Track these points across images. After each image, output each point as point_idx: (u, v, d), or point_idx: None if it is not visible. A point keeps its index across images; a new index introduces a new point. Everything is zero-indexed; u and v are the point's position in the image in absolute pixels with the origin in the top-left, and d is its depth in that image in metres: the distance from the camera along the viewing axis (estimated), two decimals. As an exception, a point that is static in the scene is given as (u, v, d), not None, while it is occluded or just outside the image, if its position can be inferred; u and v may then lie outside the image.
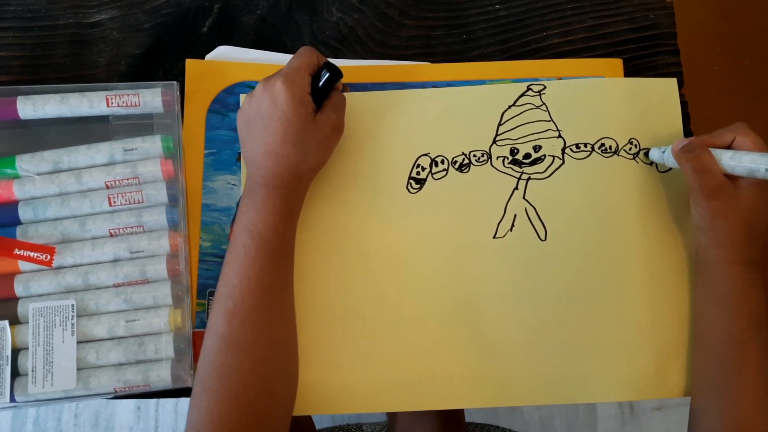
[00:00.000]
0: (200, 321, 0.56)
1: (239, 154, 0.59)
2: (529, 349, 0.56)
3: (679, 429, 1.30)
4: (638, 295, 0.57)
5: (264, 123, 0.52)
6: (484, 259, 0.58)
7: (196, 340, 0.55)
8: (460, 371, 0.56)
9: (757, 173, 0.49)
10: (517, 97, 0.61)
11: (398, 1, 0.65)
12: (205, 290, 0.57)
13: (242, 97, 0.60)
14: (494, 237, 0.58)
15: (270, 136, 0.51)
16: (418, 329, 0.56)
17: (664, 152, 0.57)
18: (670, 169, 0.59)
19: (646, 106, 0.61)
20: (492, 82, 0.62)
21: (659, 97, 0.61)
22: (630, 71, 0.63)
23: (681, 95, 0.63)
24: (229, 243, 0.52)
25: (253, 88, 0.60)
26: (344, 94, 0.57)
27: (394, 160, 0.60)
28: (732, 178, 0.52)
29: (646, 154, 0.59)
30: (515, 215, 0.59)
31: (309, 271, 0.57)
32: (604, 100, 0.60)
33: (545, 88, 0.61)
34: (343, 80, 0.61)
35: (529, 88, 0.61)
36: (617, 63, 0.63)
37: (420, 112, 0.60)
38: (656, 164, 0.59)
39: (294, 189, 0.53)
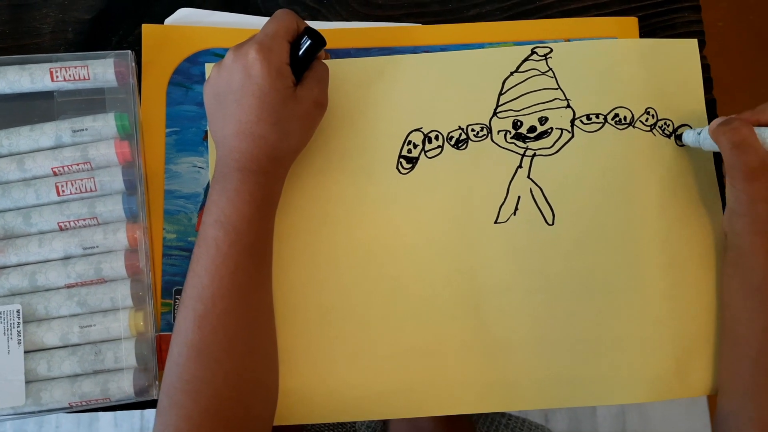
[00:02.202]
0: (166, 323, 0.50)
1: (206, 132, 0.52)
2: (537, 347, 0.50)
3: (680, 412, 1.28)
4: (657, 284, 0.51)
5: (236, 98, 0.45)
6: (484, 247, 0.52)
7: (162, 345, 0.49)
8: (460, 373, 0.50)
9: None
10: (520, 62, 0.54)
11: (384, -46, 0.57)
12: (171, 288, 0.50)
13: (208, 67, 0.53)
14: (496, 222, 0.52)
15: (243, 114, 0.44)
16: (412, 327, 0.50)
17: (700, 133, 0.50)
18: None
19: (664, 71, 0.54)
20: (491, 45, 0.55)
21: (679, 61, 0.54)
22: (646, 31, 0.56)
23: (703, 57, 0.56)
24: (197, 236, 0.45)
25: (221, 56, 0.53)
26: (326, 62, 0.50)
27: (382, 136, 0.53)
28: None
29: (678, 137, 0.53)
30: (519, 197, 0.52)
31: (288, 264, 0.51)
32: (618, 65, 0.53)
33: (552, 51, 0.54)
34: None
35: (533, 52, 0.54)
36: (632, 22, 0.56)
37: (411, 82, 0.53)
38: (675, 137, 0.53)
39: (272, 174, 0.46)
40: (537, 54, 0.54)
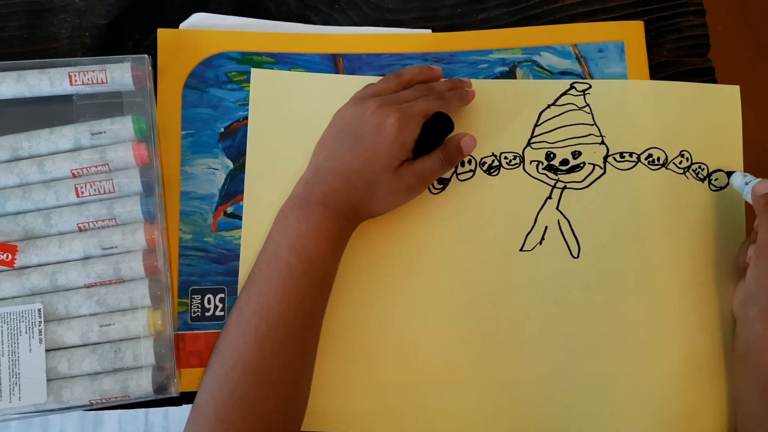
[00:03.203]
0: (182, 323, 0.50)
1: (221, 134, 0.53)
2: (552, 379, 0.51)
3: None
4: (676, 327, 0.52)
5: (354, 142, 0.47)
6: (507, 274, 0.52)
7: (179, 344, 0.50)
8: (473, 398, 0.50)
9: None
10: (558, 95, 0.54)
11: (394, -40, 0.58)
12: (188, 288, 0.51)
13: (254, 72, 0.54)
14: (521, 249, 0.52)
15: (351, 159, 0.47)
16: (428, 347, 0.51)
17: (748, 183, 0.50)
18: (725, 187, 0.53)
19: (703, 115, 0.54)
20: (500, 51, 0.56)
21: (719, 106, 0.55)
22: (651, 34, 0.57)
23: (707, 60, 0.57)
24: (265, 253, 0.46)
25: (235, 59, 0.54)
26: (373, 79, 0.53)
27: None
28: None
29: (719, 177, 0.53)
30: (546, 227, 0.53)
31: None
32: (656, 105, 0.54)
33: (590, 87, 0.54)
34: (336, 51, 0.56)
35: (572, 87, 0.54)
36: (638, 26, 0.57)
37: None
38: (709, 181, 0.53)
39: (350, 221, 0.48)
40: (575, 89, 0.54)
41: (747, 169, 0.54)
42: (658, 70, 0.56)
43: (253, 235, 0.51)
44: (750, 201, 0.50)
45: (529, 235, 0.53)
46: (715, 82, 0.56)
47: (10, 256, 0.47)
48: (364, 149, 0.46)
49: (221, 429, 0.41)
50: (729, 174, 0.53)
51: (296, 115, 0.53)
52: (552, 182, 0.53)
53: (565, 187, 0.53)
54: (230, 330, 0.44)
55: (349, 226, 0.48)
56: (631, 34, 0.56)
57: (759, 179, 0.49)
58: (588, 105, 0.54)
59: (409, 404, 0.50)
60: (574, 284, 0.52)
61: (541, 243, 0.52)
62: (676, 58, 0.57)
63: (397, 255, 0.52)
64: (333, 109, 0.51)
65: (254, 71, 0.54)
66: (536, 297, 0.52)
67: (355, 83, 0.53)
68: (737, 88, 0.55)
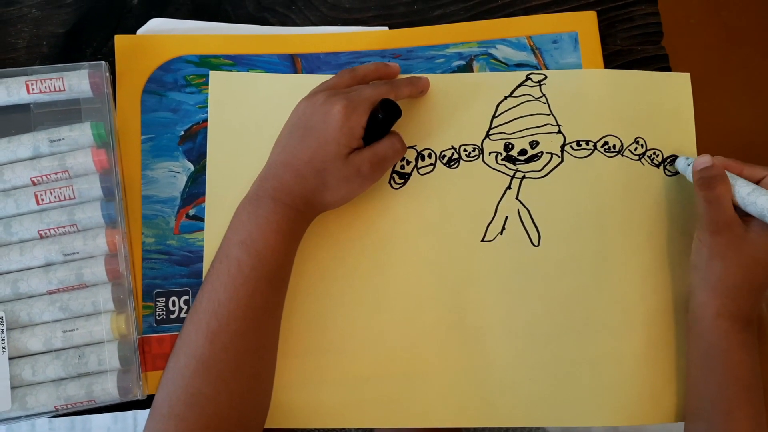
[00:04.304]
0: (147, 326, 0.51)
1: (181, 137, 0.54)
2: (518, 366, 0.51)
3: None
4: (637, 311, 0.52)
5: (303, 134, 0.48)
6: (470, 264, 0.52)
7: (144, 347, 0.50)
8: (441, 387, 0.51)
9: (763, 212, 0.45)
10: (514, 86, 0.55)
11: (349, -40, 0.59)
12: (152, 291, 0.51)
13: (213, 75, 0.55)
14: (483, 240, 0.53)
15: (300, 150, 0.47)
16: (395, 339, 0.51)
17: (689, 164, 0.51)
18: (679, 172, 0.54)
19: (655, 103, 0.55)
20: (456, 45, 0.56)
21: (670, 93, 0.56)
22: (605, 24, 0.58)
23: (661, 47, 0.58)
24: (218, 251, 0.46)
25: (193, 63, 0.55)
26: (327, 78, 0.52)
27: None
28: (745, 220, 0.47)
29: (672, 162, 0.54)
30: (507, 217, 0.53)
31: None
32: (610, 95, 0.54)
33: (546, 78, 0.55)
34: (294, 51, 0.56)
35: (528, 78, 0.55)
36: (591, 16, 0.57)
37: (407, 100, 0.54)
38: (664, 166, 0.54)
39: (302, 213, 0.47)
40: (531, 80, 0.55)
41: (724, 154, 0.55)
42: (613, 59, 0.57)
43: (215, 236, 0.51)
44: (692, 180, 0.50)
45: (490, 225, 0.53)
46: (668, 69, 0.57)
47: (-30, 266, 0.47)
48: (313, 140, 0.47)
49: (173, 425, 0.41)
50: (671, 163, 0.54)
51: (256, 116, 0.54)
52: (511, 172, 0.54)
53: (524, 177, 0.54)
54: (185, 328, 0.44)
55: (301, 219, 0.48)
56: (585, 24, 0.57)
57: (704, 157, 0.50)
58: (544, 95, 0.55)
59: (377, 396, 0.50)
60: (535, 272, 0.52)
61: (502, 233, 0.53)
62: (630, 46, 0.58)
63: (361, 250, 0.52)
64: (291, 109, 0.52)
65: (212, 73, 0.54)
66: (499, 286, 0.52)
67: (312, 82, 0.53)
68: (688, 75, 0.56)
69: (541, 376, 0.51)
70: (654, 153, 0.54)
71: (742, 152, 0.55)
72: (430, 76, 0.55)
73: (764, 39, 1.47)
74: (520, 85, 0.55)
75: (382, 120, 0.48)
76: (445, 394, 0.51)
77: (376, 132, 0.49)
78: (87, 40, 0.55)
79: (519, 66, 0.56)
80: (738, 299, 0.47)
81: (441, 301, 0.52)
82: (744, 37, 1.47)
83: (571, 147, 0.54)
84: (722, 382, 0.47)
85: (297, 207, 0.47)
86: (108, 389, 0.47)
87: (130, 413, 1.26)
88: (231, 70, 0.55)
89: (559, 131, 0.54)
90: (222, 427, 0.42)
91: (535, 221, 0.53)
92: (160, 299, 0.51)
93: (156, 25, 0.56)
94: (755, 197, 0.46)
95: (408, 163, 0.54)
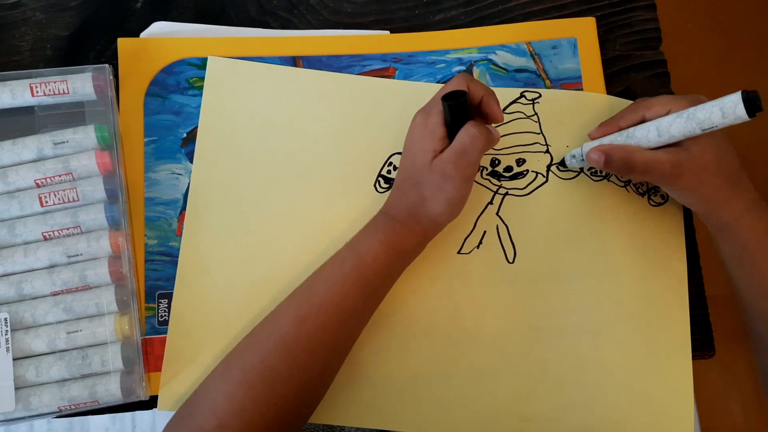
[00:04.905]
0: (150, 327, 0.51)
1: (183, 139, 0.54)
2: (481, 376, 0.51)
3: None
4: (607, 337, 0.52)
5: (403, 153, 0.49)
6: (445, 274, 0.53)
7: (147, 348, 0.51)
8: (408, 395, 0.51)
9: (694, 133, 0.44)
10: (507, 103, 0.55)
11: (351, -36, 0.59)
12: (154, 293, 0.52)
13: (210, 59, 0.56)
14: (459, 252, 0.53)
15: (401, 170, 0.49)
16: (363, 346, 0.51)
17: (575, 157, 0.52)
18: (664, 202, 0.54)
19: None
20: (457, 51, 0.57)
21: None
22: (604, 29, 0.58)
23: (659, 53, 0.58)
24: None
25: (195, 66, 0.55)
26: (333, 76, 0.53)
27: (366, 153, 0.55)
28: (676, 144, 0.47)
29: (561, 164, 0.54)
30: (485, 232, 0.54)
31: (249, 260, 0.52)
32: (601, 118, 0.54)
33: (540, 96, 0.55)
34: (296, 53, 0.57)
35: (522, 95, 0.55)
36: (590, 22, 0.58)
37: (402, 107, 0.54)
38: (649, 196, 0.54)
39: (408, 228, 0.47)
40: (525, 98, 0.55)
41: None
42: (612, 64, 0.58)
43: (196, 225, 0.52)
44: (588, 165, 0.51)
45: (468, 238, 0.53)
46: (667, 74, 0.58)
47: (-25, 267, 0.48)
48: (407, 155, 0.48)
49: (243, 391, 0.43)
50: (562, 163, 0.54)
51: (250, 104, 0.55)
52: (494, 188, 0.54)
53: (506, 194, 0.54)
54: (279, 306, 0.46)
55: (408, 233, 0.47)
56: (584, 30, 0.58)
57: (586, 146, 0.51)
58: (536, 114, 0.55)
59: (344, 391, 0.51)
60: (507, 288, 0.52)
61: (478, 247, 0.53)
62: (629, 51, 0.58)
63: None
64: (289, 102, 0.53)
65: (211, 58, 0.55)
66: (471, 298, 0.52)
67: (311, 77, 0.54)
68: None
69: (502, 389, 0.51)
70: (640, 182, 0.55)
71: (739, 155, 0.56)
72: (423, 84, 0.55)
73: (761, 43, 1.48)
74: (514, 101, 0.55)
75: (450, 109, 0.45)
76: (410, 400, 0.51)
77: (456, 126, 0.46)
78: (90, 43, 0.56)
79: (519, 72, 0.57)
80: (737, 195, 0.48)
81: (412, 308, 0.52)
82: (741, 40, 1.48)
83: (557, 168, 0.54)
84: (760, 267, 0.48)
85: (403, 221, 0.47)
86: (111, 390, 0.48)
87: (128, 414, 1.26)
88: (233, 73, 0.56)
89: (547, 151, 0.55)
90: (284, 408, 0.44)
91: (513, 238, 0.53)
92: (162, 300, 0.52)
93: (159, 28, 0.56)
94: (667, 131, 0.45)
95: (395, 168, 0.54)
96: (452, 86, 0.46)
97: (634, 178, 0.49)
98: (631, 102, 0.53)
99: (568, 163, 0.53)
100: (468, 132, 0.45)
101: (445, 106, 0.45)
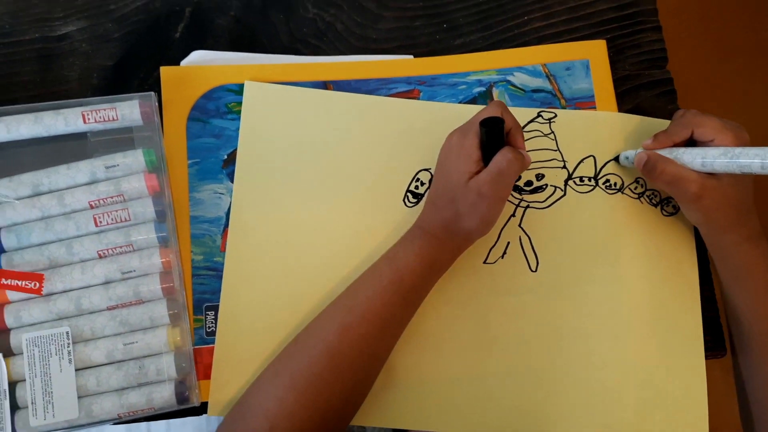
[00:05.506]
0: (198, 337, 0.55)
1: (224, 161, 0.58)
2: (507, 379, 0.54)
3: None
4: (625, 342, 0.55)
5: (437, 171, 0.52)
6: (471, 283, 0.56)
7: (197, 357, 0.54)
8: (438, 396, 0.54)
9: (733, 172, 0.48)
10: (526, 122, 0.59)
11: (375, -7, 0.63)
12: (201, 305, 0.55)
13: (247, 84, 0.59)
14: (485, 262, 0.57)
15: (435, 186, 0.52)
16: (398, 347, 0.53)
17: (628, 158, 0.56)
18: (676, 212, 0.58)
19: None
20: (477, 73, 0.61)
21: None
22: (614, 51, 0.62)
23: (666, 72, 0.62)
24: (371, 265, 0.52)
25: (233, 91, 0.59)
26: (362, 98, 0.56)
27: (395, 170, 0.58)
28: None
29: (615, 160, 0.58)
30: (509, 243, 0.57)
31: (289, 272, 0.56)
32: (613, 135, 0.58)
33: (556, 116, 0.59)
34: (326, 78, 0.60)
35: (539, 115, 0.59)
36: (601, 44, 0.62)
37: (427, 126, 0.59)
38: (662, 206, 0.58)
39: (442, 242, 0.51)
40: (542, 117, 0.59)
41: None
42: (622, 83, 0.62)
43: (239, 241, 0.56)
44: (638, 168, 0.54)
45: (493, 249, 0.57)
46: (674, 91, 0.62)
47: (37, 284, 0.51)
48: (442, 173, 0.51)
49: (293, 396, 0.46)
50: (616, 158, 0.58)
51: (286, 127, 0.58)
52: (516, 201, 0.58)
53: (528, 207, 0.58)
54: (321, 315, 0.50)
55: (443, 247, 0.51)
56: (595, 52, 0.62)
57: (639, 151, 0.54)
58: (553, 132, 0.59)
59: (404, 394, 0.54)
60: (532, 295, 0.56)
61: (503, 257, 0.57)
62: (638, 71, 0.62)
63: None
64: (322, 123, 0.57)
65: (247, 83, 0.59)
66: (497, 305, 0.56)
67: (342, 99, 0.58)
68: None
69: (527, 392, 0.54)
70: (653, 193, 0.59)
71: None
72: (448, 105, 0.59)
73: (752, 50, 1.53)
74: (532, 120, 0.59)
75: (487, 135, 0.49)
76: (442, 400, 0.54)
77: (492, 150, 0.49)
78: (134, 71, 0.59)
79: (536, 92, 0.61)
80: (742, 224, 0.52)
81: (443, 314, 0.55)
82: (733, 48, 1.53)
83: (574, 182, 0.58)
84: (754, 288, 0.53)
85: (437, 236, 0.51)
86: (166, 397, 0.51)
87: (143, 424, 1.28)
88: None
89: (564, 166, 0.59)
90: (329, 411, 0.47)
91: (535, 248, 0.57)
92: (209, 312, 0.55)
93: (198, 56, 0.60)
94: (709, 165, 0.49)
95: (422, 184, 0.58)
96: (489, 112, 0.50)
97: (658, 186, 0.53)
98: (680, 113, 0.55)
99: (621, 161, 0.57)
100: (505, 156, 0.48)
101: (482, 130, 0.49)
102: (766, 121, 1.46)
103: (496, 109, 0.50)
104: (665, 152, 0.52)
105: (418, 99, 0.60)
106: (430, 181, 0.58)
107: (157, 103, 0.56)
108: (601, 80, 0.61)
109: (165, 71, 0.59)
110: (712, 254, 0.56)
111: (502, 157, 0.48)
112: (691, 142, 0.53)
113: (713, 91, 1.48)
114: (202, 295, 0.55)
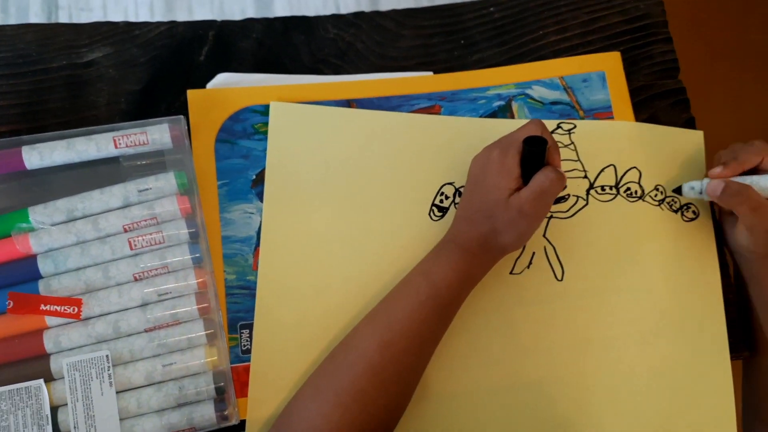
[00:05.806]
0: (234, 356, 0.55)
1: (253, 180, 0.59)
2: (538, 388, 0.55)
3: None
4: (652, 348, 0.57)
5: (473, 186, 0.53)
6: (499, 294, 0.57)
7: (234, 376, 0.55)
8: (467, 408, 0.55)
9: None
10: None
11: (393, 12, 0.65)
12: (236, 324, 0.56)
13: (273, 105, 0.60)
14: (511, 272, 0.58)
15: (471, 201, 0.53)
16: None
17: (701, 192, 0.56)
18: (696, 218, 0.59)
19: (673, 155, 0.61)
20: (496, 87, 0.62)
21: (686, 147, 0.61)
22: (628, 62, 0.64)
23: (678, 81, 0.64)
24: (404, 278, 0.52)
25: (259, 113, 0.60)
26: (386, 114, 0.57)
27: (420, 185, 0.59)
28: None
29: (677, 191, 0.58)
30: (534, 253, 0.58)
31: (321, 288, 0.56)
32: (632, 145, 0.60)
33: (575, 127, 0.61)
34: (349, 96, 0.61)
35: (559, 126, 0.61)
36: (616, 56, 0.64)
37: (449, 140, 0.60)
38: (682, 212, 0.59)
39: (477, 257, 0.52)
40: (562, 128, 0.61)
41: (708, 165, 0.60)
42: (637, 93, 0.63)
43: (271, 259, 0.56)
44: (708, 199, 0.56)
45: (519, 259, 0.58)
46: (687, 101, 0.64)
47: (76, 309, 0.52)
48: (480, 189, 0.52)
49: (339, 413, 0.47)
50: (678, 190, 0.58)
51: (312, 146, 0.59)
52: None
53: (551, 217, 0.59)
54: (358, 331, 0.50)
55: (477, 262, 0.52)
56: (611, 63, 0.63)
57: (706, 180, 0.55)
58: (573, 143, 0.60)
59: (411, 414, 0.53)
60: (559, 304, 0.57)
61: (528, 267, 0.58)
62: (652, 81, 0.64)
63: (400, 275, 0.55)
64: (348, 141, 0.58)
65: (273, 104, 0.60)
66: (525, 315, 0.57)
67: (366, 116, 0.59)
68: (701, 133, 0.62)
69: (558, 400, 0.55)
70: (673, 200, 0.60)
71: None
72: (469, 120, 0.60)
73: (743, 54, 1.56)
74: (552, 132, 0.60)
75: (530, 154, 0.50)
76: (470, 413, 0.55)
77: (532, 168, 0.50)
78: (161, 95, 0.60)
79: (554, 104, 0.62)
80: None
81: (471, 325, 0.56)
82: (723, 52, 1.56)
83: (595, 191, 0.60)
84: None
85: (472, 251, 0.51)
86: (207, 416, 0.52)
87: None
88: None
89: (585, 176, 0.60)
90: (373, 426, 0.47)
91: (560, 258, 0.58)
92: (244, 331, 0.56)
93: (223, 79, 0.61)
94: None
95: (447, 197, 0.59)
96: (530, 131, 0.51)
97: (738, 212, 0.53)
98: (750, 143, 0.56)
99: (685, 192, 0.57)
100: (548, 176, 0.49)
101: (526, 149, 0.50)
102: (755, 123, 1.49)
103: (537, 127, 0.51)
104: (738, 179, 0.53)
105: (440, 114, 0.61)
106: (454, 194, 0.59)
107: (186, 127, 0.57)
108: (618, 91, 0.62)
109: (192, 94, 0.60)
110: (749, 279, 0.56)
111: (545, 177, 0.49)
112: (751, 170, 0.54)
113: (701, 95, 1.50)
114: (236, 314, 0.56)
